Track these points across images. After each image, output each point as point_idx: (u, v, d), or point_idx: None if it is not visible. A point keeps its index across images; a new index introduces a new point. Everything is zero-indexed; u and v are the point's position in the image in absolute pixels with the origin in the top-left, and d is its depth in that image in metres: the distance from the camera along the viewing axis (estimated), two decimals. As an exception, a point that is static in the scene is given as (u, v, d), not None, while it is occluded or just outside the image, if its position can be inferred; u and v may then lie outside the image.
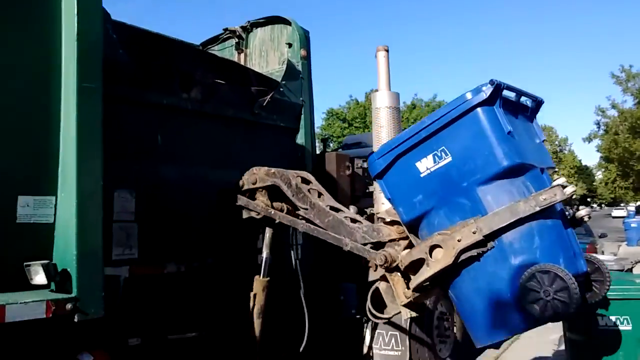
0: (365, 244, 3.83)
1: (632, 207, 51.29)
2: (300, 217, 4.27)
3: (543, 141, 3.53)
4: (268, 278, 4.42)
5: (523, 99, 3.39)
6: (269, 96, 5.21)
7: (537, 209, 3.02)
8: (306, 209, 4.12)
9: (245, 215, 4.47)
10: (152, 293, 4.38)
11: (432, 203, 3.28)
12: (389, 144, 3.45)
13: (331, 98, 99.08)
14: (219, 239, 4.78)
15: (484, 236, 3.05)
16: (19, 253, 3.02)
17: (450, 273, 3.22)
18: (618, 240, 24.42)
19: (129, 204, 4.19)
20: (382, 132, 6.20)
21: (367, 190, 6.51)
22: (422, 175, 3.27)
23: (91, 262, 3.10)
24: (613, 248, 19.70)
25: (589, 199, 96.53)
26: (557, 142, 67.70)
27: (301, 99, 5.79)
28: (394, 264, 3.63)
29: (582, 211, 3.40)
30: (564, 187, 3.03)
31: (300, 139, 5.77)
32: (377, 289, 4.03)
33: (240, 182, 4.47)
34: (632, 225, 23.52)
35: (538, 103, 3.52)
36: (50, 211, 3.13)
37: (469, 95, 3.11)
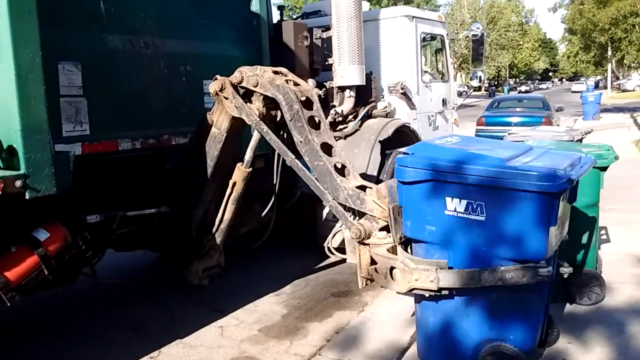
0: (344, 207, 3.81)
1: (591, 81, 52.16)
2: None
3: None
4: (250, 169, 4.33)
5: None
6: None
7: (499, 284, 3.04)
8: (300, 142, 3.94)
9: (235, 113, 4.11)
10: (108, 170, 4.32)
11: (441, 239, 3.19)
12: (429, 162, 3.16)
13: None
14: (174, 115, 4.67)
15: (439, 287, 3.11)
16: (-41, 130, 2.88)
17: None
18: (576, 114, 25.10)
19: (75, 77, 3.98)
20: (341, -3, 5.92)
21: (327, 63, 6.36)
22: (446, 212, 3.13)
23: (37, 137, 2.98)
24: (569, 122, 20.27)
25: (550, 73, 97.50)
26: (523, 14, 66.73)
27: (254, -42, 5.40)
28: (366, 240, 3.64)
29: None
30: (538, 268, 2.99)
31: (254, 6, 5.45)
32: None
33: (239, 75, 4.12)
34: (589, 99, 23.98)
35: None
36: (-12, 85, 2.94)
37: (534, 177, 2.88)
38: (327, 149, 4.03)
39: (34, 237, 3.18)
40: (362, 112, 6.28)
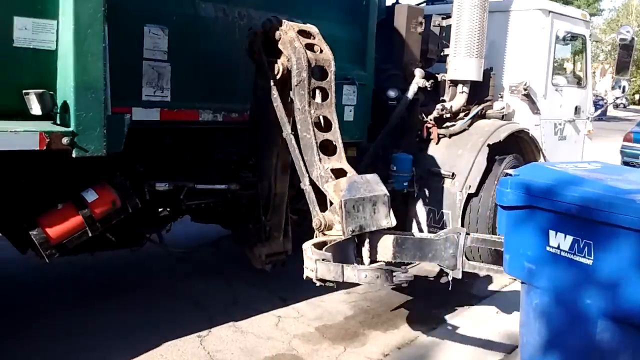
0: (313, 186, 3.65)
1: None
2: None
3: None
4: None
5: None
6: None
7: (357, 281, 3.17)
8: (298, 109, 3.69)
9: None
10: (187, 139, 4.23)
11: (542, 283, 2.67)
12: (533, 185, 2.68)
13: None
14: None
15: (317, 278, 3.14)
16: (20, 80, 2.85)
17: None
18: None
19: (161, 41, 3.90)
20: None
21: (443, 54, 5.83)
22: (547, 248, 2.59)
23: (91, 95, 2.87)
24: None
25: None
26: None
27: None
28: (327, 232, 3.50)
29: None
30: None
31: (371, -16, 5.06)
32: None
33: (269, 24, 3.88)
34: None
35: None
36: (51, 37, 2.89)
37: None
38: (326, 123, 3.76)
39: (81, 197, 3.11)
40: (474, 110, 5.69)
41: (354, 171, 3.63)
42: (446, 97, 5.72)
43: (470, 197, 5.33)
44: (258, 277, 4.84)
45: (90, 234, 3.15)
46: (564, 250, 2.51)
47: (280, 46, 3.77)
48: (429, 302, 4.80)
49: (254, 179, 4.12)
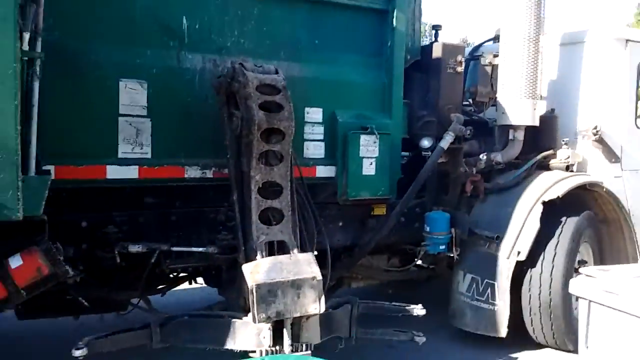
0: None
1: None
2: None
3: None
4: None
5: None
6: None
7: None
8: (244, 172, 3.50)
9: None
10: (171, 198, 3.96)
11: None
12: None
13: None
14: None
15: None
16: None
17: None
18: None
19: (139, 96, 3.71)
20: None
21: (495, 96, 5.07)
22: None
23: (1, 157, 2.69)
24: None
25: None
26: None
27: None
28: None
29: None
30: None
31: (392, 23, 4.48)
32: None
33: (232, 72, 3.61)
34: None
35: None
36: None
37: None
38: (277, 189, 3.52)
39: (5, 263, 2.90)
40: (530, 161, 4.84)
41: (295, 245, 3.31)
42: (498, 145, 4.94)
43: (524, 266, 4.47)
44: None
45: (14, 302, 2.93)
46: None
47: (237, 100, 3.47)
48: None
49: (234, 242, 3.69)
